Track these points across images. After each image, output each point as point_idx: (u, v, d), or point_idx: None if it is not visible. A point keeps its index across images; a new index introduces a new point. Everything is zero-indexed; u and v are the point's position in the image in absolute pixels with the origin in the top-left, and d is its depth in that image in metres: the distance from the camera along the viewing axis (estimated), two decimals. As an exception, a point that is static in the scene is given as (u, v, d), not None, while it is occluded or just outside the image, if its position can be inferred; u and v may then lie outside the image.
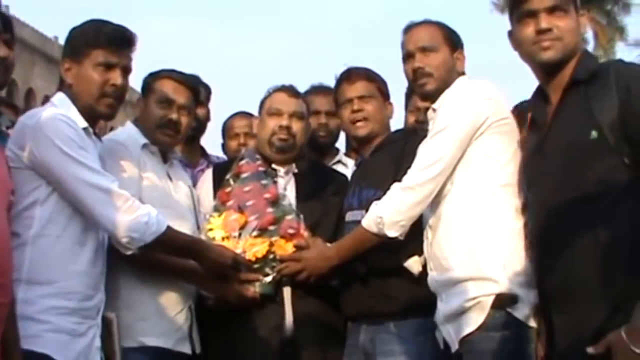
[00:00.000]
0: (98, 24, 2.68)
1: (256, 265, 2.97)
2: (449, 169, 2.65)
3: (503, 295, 2.50)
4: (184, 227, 2.92)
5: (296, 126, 3.21)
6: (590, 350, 2.11)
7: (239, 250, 2.96)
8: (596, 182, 2.22)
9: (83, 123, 2.59)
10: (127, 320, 2.75)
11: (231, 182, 3.17)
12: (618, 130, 2.19)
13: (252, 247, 2.98)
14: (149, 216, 2.57)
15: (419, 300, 2.79)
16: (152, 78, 3.08)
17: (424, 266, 2.81)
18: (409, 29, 2.90)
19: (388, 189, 2.75)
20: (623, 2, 22.51)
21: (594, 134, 2.22)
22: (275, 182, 3.18)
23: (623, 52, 21.91)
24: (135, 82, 3.11)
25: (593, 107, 2.25)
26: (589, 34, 21.24)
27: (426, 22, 2.90)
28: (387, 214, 2.70)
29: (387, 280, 2.93)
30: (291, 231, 3.02)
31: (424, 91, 2.85)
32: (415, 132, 3.12)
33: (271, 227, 3.02)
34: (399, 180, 2.73)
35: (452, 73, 2.82)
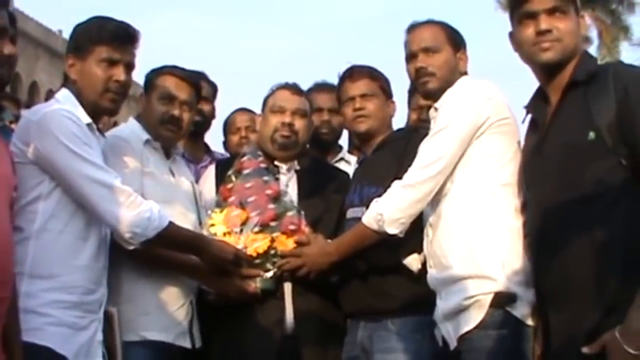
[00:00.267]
0: (102, 21, 2.69)
1: (257, 261, 2.98)
2: (449, 167, 2.67)
3: (502, 293, 2.52)
4: (186, 223, 2.94)
5: (299, 123, 3.22)
6: (585, 350, 2.12)
7: (240, 246, 2.97)
8: (593, 182, 2.22)
9: (87, 119, 2.61)
10: (128, 315, 2.75)
11: (233, 178, 3.19)
12: (615, 132, 2.19)
13: (253, 243, 2.99)
14: (151, 212, 2.58)
15: (418, 298, 2.80)
16: (154, 74, 3.09)
17: (423, 264, 2.82)
18: (412, 29, 2.90)
19: (389, 186, 2.76)
20: (628, 1, 22.38)
21: (591, 135, 2.22)
22: (277, 179, 3.19)
23: (627, 52, 21.82)
24: (139, 76, 3.14)
25: (591, 108, 2.25)
26: (593, 33, 21.13)
27: (429, 22, 2.91)
28: (387, 211, 2.71)
29: (386, 277, 2.94)
30: (292, 227, 3.03)
31: (426, 90, 2.86)
32: (417, 131, 3.12)
33: (272, 223, 3.03)
34: (400, 178, 2.75)
35: (454, 73, 2.83)
